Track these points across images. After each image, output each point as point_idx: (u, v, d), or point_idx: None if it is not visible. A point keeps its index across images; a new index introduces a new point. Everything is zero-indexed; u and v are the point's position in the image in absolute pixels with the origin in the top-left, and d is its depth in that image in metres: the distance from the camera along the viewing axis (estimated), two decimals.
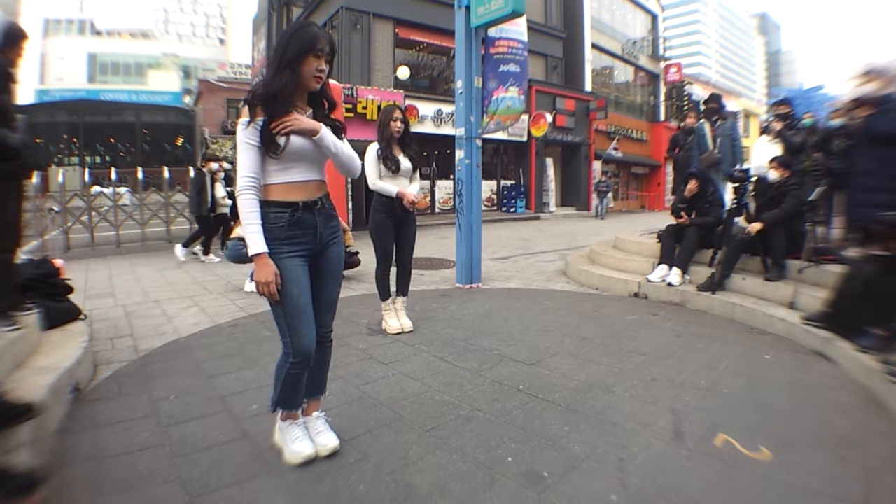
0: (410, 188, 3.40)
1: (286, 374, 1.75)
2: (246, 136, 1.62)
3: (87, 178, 9.33)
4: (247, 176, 1.62)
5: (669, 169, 19.20)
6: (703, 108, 6.32)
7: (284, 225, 1.68)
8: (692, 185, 4.62)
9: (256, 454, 1.86)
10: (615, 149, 19.10)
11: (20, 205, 2.70)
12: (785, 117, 5.09)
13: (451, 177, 14.25)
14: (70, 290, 3.25)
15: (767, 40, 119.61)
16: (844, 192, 3.22)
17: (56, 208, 7.51)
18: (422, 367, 2.77)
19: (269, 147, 1.62)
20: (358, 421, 2.11)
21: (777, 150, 4.80)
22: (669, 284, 4.38)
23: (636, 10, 24.24)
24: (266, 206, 1.68)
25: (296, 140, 1.65)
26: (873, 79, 2.80)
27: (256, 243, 1.61)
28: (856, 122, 2.91)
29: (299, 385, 1.80)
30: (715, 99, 6.13)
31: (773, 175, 4.19)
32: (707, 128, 5.75)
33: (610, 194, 19.18)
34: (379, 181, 3.30)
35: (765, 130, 5.46)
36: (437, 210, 15.14)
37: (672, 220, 4.77)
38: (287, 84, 1.61)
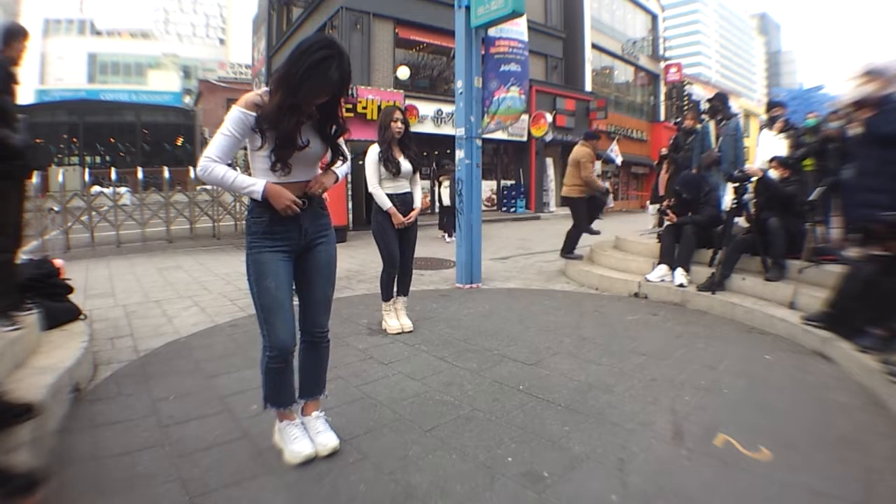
0: (414, 193, 3.42)
1: (265, 369, 1.77)
2: (234, 127, 1.61)
3: (87, 178, 9.33)
4: (216, 158, 1.62)
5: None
6: (705, 106, 6.32)
7: (267, 220, 1.69)
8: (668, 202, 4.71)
9: (256, 454, 1.86)
10: (613, 151, 19.08)
11: (21, 205, 2.70)
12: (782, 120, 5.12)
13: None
14: (70, 290, 3.25)
15: (767, 40, 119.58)
16: (842, 193, 3.21)
17: (56, 208, 7.50)
18: (422, 367, 2.77)
19: (277, 165, 1.64)
20: (358, 421, 2.11)
21: (782, 144, 4.79)
22: (680, 286, 4.33)
23: (636, 10, 24.23)
24: (253, 200, 1.70)
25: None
26: (873, 79, 2.79)
27: (254, 185, 1.62)
28: (854, 125, 2.90)
29: (283, 380, 1.80)
30: (720, 98, 6.12)
31: (773, 174, 4.19)
32: (712, 127, 5.75)
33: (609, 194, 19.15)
34: (377, 188, 3.29)
35: (767, 125, 5.48)
36: (437, 210, 15.12)
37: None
38: (290, 123, 1.60)
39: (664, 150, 8.94)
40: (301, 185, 1.74)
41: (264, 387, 1.81)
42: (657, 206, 8.51)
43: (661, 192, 8.46)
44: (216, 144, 1.62)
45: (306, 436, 1.83)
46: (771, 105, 5.50)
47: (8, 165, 2.47)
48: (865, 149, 2.82)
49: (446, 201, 9.62)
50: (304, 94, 1.58)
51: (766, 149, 4.92)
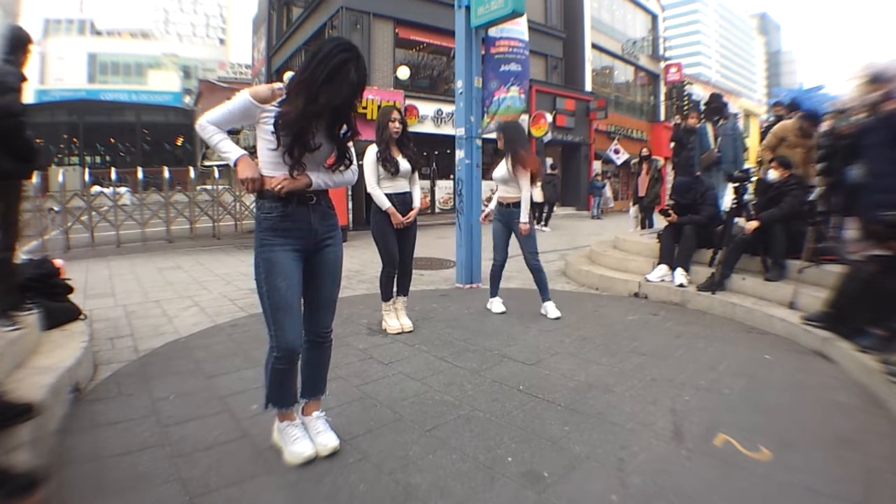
0: (413, 192, 3.41)
1: (271, 369, 1.76)
2: (238, 110, 1.65)
3: (87, 178, 9.30)
4: (214, 123, 1.66)
5: (669, 168, 19.16)
6: (703, 108, 6.31)
7: (278, 217, 1.69)
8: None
9: (256, 454, 1.86)
10: (616, 151, 19.08)
11: (19, 203, 2.71)
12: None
13: (451, 177, 14.23)
14: (70, 290, 3.25)
15: (767, 40, 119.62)
16: (861, 194, 3.11)
17: (56, 208, 7.49)
18: (422, 367, 2.77)
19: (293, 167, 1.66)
20: (358, 421, 2.11)
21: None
22: (680, 286, 4.33)
23: (636, 10, 24.21)
24: (261, 197, 1.70)
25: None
26: (882, 85, 2.78)
27: (232, 150, 1.66)
28: (869, 120, 2.87)
29: (287, 381, 1.80)
30: (716, 99, 6.11)
31: (773, 175, 4.19)
32: (709, 127, 5.75)
33: (609, 194, 19.13)
34: (376, 188, 3.29)
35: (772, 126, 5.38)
36: (437, 210, 15.11)
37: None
38: (309, 128, 1.63)
39: (644, 151, 9.00)
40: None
41: (268, 387, 1.80)
42: (637, 206, 8.56)
43: (641, 192, 8.52)
44: (219, 114, 1.67)
45: (306, 436, 1.83)
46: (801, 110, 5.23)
47: (12, 166, 2.47)
48: (880, 148, 2.79)
49: (538, 198, 10.91)
50: (325, 99, 1.58)
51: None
